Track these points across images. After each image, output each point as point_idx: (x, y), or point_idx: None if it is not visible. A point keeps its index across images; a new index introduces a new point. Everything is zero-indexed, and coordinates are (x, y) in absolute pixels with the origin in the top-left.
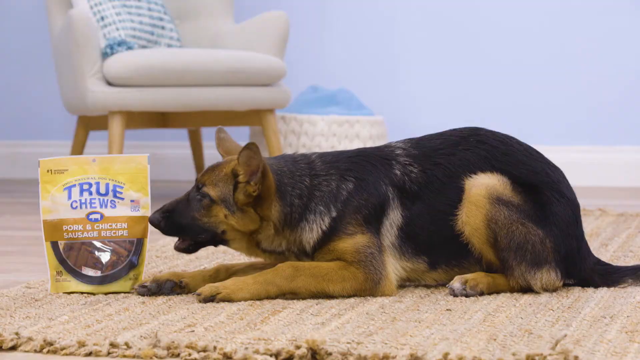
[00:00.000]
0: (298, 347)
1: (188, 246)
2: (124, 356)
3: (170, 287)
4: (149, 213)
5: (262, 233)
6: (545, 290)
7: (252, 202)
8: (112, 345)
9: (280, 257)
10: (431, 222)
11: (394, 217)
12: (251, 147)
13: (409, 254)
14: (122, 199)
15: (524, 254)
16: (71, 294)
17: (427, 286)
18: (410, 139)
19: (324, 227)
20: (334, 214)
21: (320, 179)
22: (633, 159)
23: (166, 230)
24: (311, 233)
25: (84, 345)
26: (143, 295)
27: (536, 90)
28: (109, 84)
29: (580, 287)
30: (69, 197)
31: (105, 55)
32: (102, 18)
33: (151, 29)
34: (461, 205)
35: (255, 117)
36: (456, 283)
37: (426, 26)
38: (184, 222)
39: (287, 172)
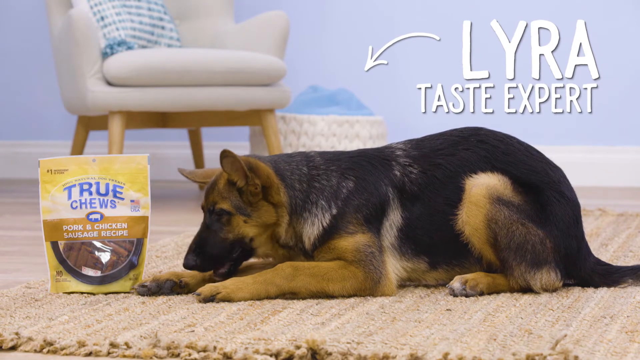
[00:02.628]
0: (298, 347)
1: (228, 269)
2: (124, 356)
3: (170, 286)
4: (149, 213)
5: (281, 224)
6: (545, 290)
7: (261, 196)
8: (112, 345)
9: (292, 253)
10: (431, 223)
11: (394, 218)
12: (226, 154)
13: (409, 254)
14: (122, 199)
15: (524, 254)
16: (71, 294)
17: (427, 286)
18: (411, 140)
19: (324, 224)
20: (334, 211)
21: (320, 171)
22: (633, 159)
23: (205, 267)
24: (312, 228)
25: (84, 345)
26: (143, 295)
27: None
28: (109, 84)
29: (580, 287)
30: (69, 197)
31: (105, 55)
32: (102, 18)
33: (151, 29)
34: (461, 205)
35: (255, 117)
36: (456, 283)
37: (426, 26)
38: (215, 249)
39: (282, 161)
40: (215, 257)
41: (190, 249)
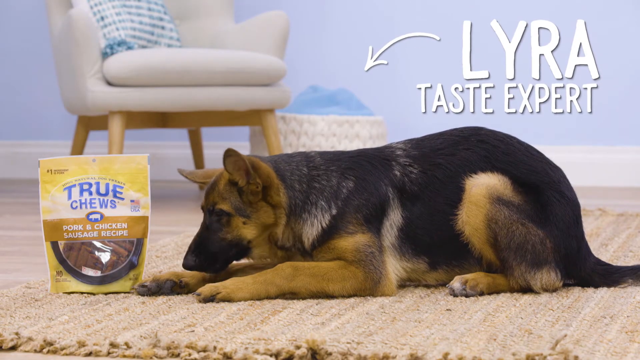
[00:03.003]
0: (298, 347)
1: (220, 266)
2: (124, 356)
3: (170, 286)
4: (149, 213)
5: (279, 225)
6: (545, 290)
7: (261, 196)
8: (112, 345)
9: (290, 254)
10: (431, 223)
11: (394, 218)
12: (230, 153)
13: (409, 254)
14: (122, 199)
15: (524, 254)
16: (71, 294)
17: (427, 286)
18: (411, 140)
19: (323, 224)
20: (334, 211)
21: (320, 172)
22: (633, 159)
23: (204, 267)
24: (311, 228)
25: (84, 345)
26: (143, 295)
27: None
28: (109, 84)
29: (580, 287)
30: (69, 197)
31: (105, 55)
32: (102, 18)
33: (151, 29)
34: (461, 205)
35: (255, 117)
36: (456, 283)
37: (426, 26)
38: (215, 249)
39: (282, 161)
40: (215, 257)
41: (190, 249)
